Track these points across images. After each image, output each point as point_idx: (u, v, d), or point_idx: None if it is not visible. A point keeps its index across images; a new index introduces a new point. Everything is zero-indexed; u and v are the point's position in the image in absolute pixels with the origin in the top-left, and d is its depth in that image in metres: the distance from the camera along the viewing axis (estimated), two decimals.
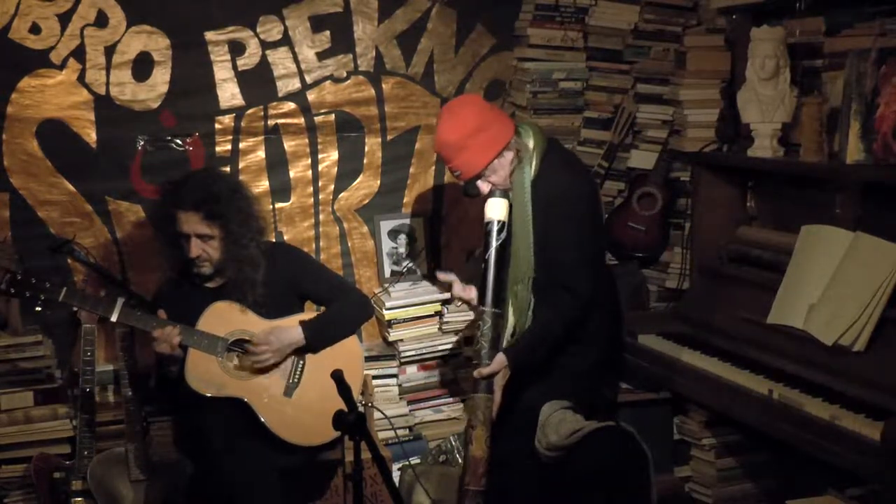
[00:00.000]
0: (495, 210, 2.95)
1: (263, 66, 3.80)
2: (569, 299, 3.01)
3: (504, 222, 2.94)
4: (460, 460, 3.45)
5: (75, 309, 3.27)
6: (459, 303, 3.30)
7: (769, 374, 3.13)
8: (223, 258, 3.22)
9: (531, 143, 3.05)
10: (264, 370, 3.25)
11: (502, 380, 2.94)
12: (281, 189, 3.90)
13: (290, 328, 3.25)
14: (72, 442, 3.42)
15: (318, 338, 3.30)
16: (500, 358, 2.92)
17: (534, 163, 3.04)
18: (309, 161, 3.92)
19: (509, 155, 3.00)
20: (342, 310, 3.40)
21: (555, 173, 3.03)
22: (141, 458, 3.30)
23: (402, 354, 3.89)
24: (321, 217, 3.97)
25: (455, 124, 2.97)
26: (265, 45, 3.78)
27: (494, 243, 2.93)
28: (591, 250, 3.10)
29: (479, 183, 3.01)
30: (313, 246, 3.95)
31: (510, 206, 2.99)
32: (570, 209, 3.01)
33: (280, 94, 3.83)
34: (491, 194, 2.97)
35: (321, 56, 3.86)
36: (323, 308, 3.49)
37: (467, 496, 2.87)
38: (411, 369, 3.93)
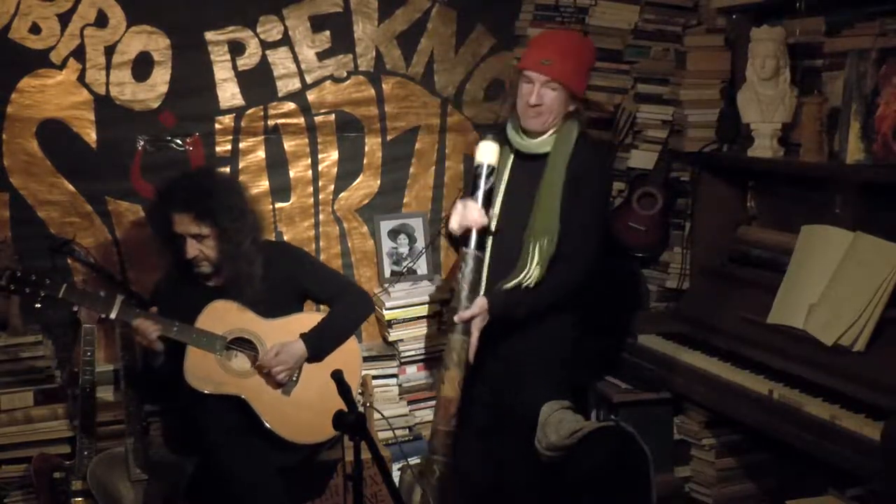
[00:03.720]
0: (486, 154, 2.98)
1: (263, 66, 3.80)
2: (568, 269, 3.02)
3: (493, 167, 2.97)
4: None
5: (75, 309, 3.27)
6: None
7: (769, 374, 3.13)
8: (220, 256, 3.22)
9: (577, 124, 3.12)
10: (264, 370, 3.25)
11: (481, 322, 2.95)
12: (281, 189, 3.90)
13: (294, 343, 3.25)
14: (72, 442, 3.42)
15: (320, 348, 3.30)
16: (482, 301, 2.95)
17: (575, 133, 3.08)
18: (309, 161, 3.92)
19: (570, 105, 3.07)
20: (341, 313, 3.39)
21: (589, 150, 3.11)
22: (141, 457, 3.31)
23: (402, 354, 3.89)
24: (321, 217, 3.97)
25: (584, 40, 3.19)
26: (265, 45, 3.79)
27: (483, 187, 2.97)
28: (601, 232, 3.14)
29: (535, 97, 3.00)
30: (313, 246, 3.95)
31: (525, 157, 3.06)
32: (597, 187, 3.11)
33: (280, 94, 3.83)
34: (483, 138, 3.03)
35: (321, 56, 3.86)
36: (323, 307, 3.49)
37: (437, 436, 2.96)
38: (411, 369, 3.93)
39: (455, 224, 3.01)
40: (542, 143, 3.07)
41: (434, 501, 3.19)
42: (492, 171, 2.98)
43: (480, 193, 2.99)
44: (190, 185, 3.22)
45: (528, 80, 3.03)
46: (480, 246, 3.00)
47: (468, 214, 2.99)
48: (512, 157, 3.12)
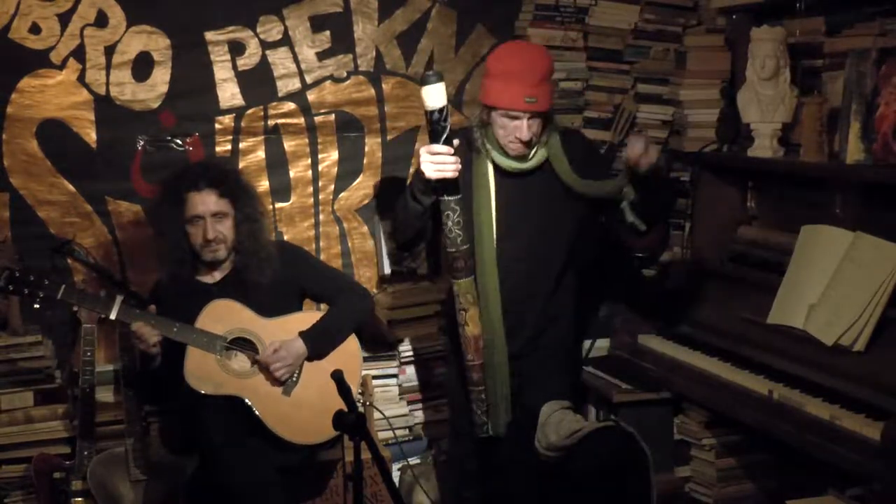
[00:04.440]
0: (438, 97, 2.77)
1: (263, 66, 3.80)
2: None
3: (447, 107, 2.80)
4: None
5: (75, 309, 3.27)
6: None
7: (769, 374, 3.13)
8: (236, 238, 3.26)
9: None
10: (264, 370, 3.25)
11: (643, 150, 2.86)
12: (281, 189, 3.90)
13: (294, 341, 3.26)
14: (72, 442, 3.42)
15: (319, 347, 3.30)
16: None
17: (558, 138, 3.03)
18: (309, 161, 3.92)
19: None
20: (341, 311, 3.39)
21: (575, 142, 3.08)
22: (141, 457, 3.31)
23: (402, 354, 3.89)
24: (321, 217, 3.97)
25: (546, 55, 2.98)
26: (265, 45, 3.79)
27: (446, 132, 2.81)
28: None
29: (526, 133, 2.90)
30: (313, 246, 3.95)
31: (511, 173, 3.01)
32: (605, 165, 3.25)
33: (280, 94, 3.83)
34: (425, 81, 2.77)
35: (321, 56, 3.86)
36: (323, 305, 3.49)
37: (474, 369, 3.02)
38: (411, 369, 3.93)
39: (432, 172, 2.83)
40: (533, 160, 3.01)
41: (434, 502, 3.20)
42: (446, 112, 2.80)
43: (447, 138, 2.82)
44: (210, 165, 3.36)
45: (511, 116, 2.91)
46: (456, 190, 2.88)
47: (443, 164, 2.82)
48: (491, 170, 3.02)
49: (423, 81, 2.77)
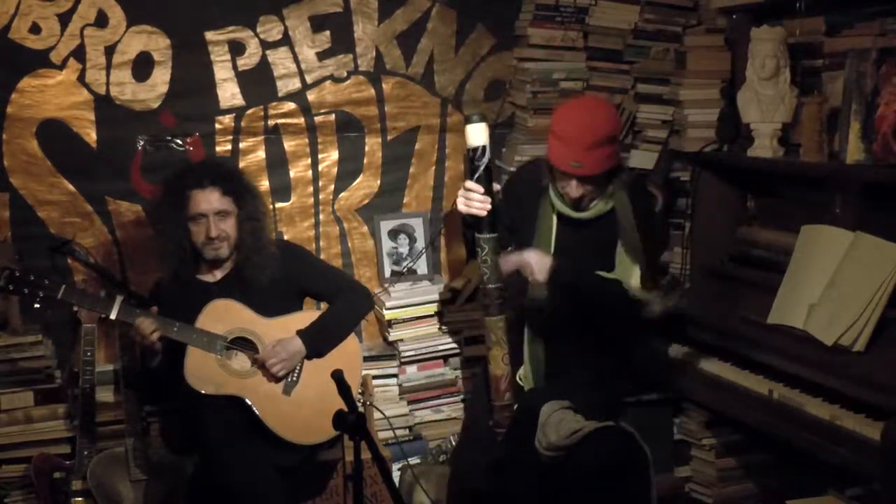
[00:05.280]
0: (478, 136, 2.90)
1: (263, 66, 3.80)
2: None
3: (486, 147, 2.91)
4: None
5: (75, 308, 3.27)
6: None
7: (769, 374, 3.13)
8: (238, 237, 3.26)
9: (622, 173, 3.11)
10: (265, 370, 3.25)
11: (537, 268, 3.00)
12: (281, 189, 3.90)
13: (292, 339, 3.26)
14: (72, 442, 3.42)
15: (317, 345, 3.30)
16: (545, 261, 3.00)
17: (626, 194, 3.06)
18: (309, 161, 3.92)
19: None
20: (340, 309, 3.40)
21: (640, 199, 3.11)
22: (141, 457, 3.31)
23: (402, 354, 3.89)
24: (321, 217, 3.97)
25: (608, 118, 2.98)
26: (265, 45, 3.79)
27: (481, 169, 2.91)
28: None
29: (575, 191, 2.99)
30: (313, 246, 3.95)
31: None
32: (657, 231, 3.25)
33: (280, 94, 3.83)
34: (468, 120, 2.93)
35: (321, 56, 3.86)
36: (323, 304, 3.49)
37: (495, 410, 3.02)
38: (411, 369, 3.93)
39: (462, 207, 2.96)
40: (591, 210, 3.06)
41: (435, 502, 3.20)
42: (485, 150, 2.91)
43: (480, 176, 2.92)
44: (213, 163, 3.39)
45: (561, 172, 3.00)
46: (491, 228, 2.96)
47: (471, 201, 2.93)
48: (554, 216, 3.10)
49: (467, 121, 2.93)
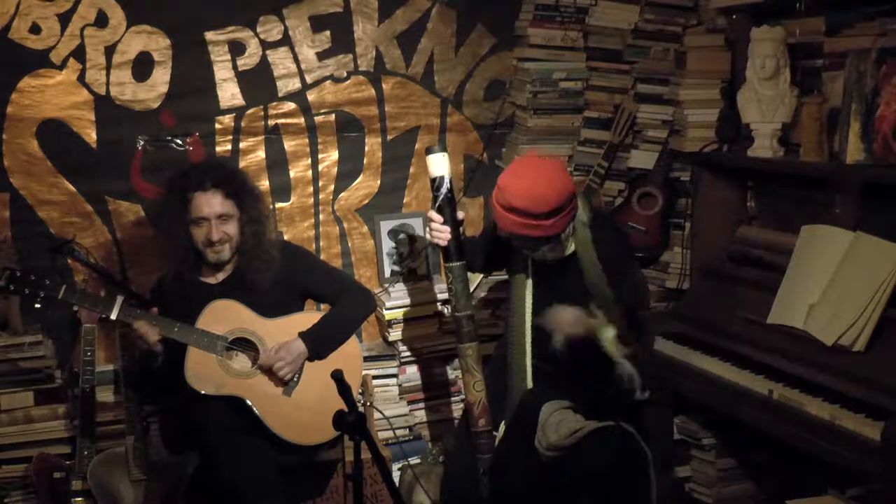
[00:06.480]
0: (439, 167, 3.01)
1: (263, 66, 3.80)
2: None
3: (447, 178, 3.02)
4: None
5: (75, 309, 3.28)
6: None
7: (769, 374, 3.13)
8: (240, 240, 3.26)
9: (584, 212, 3.09)
10: (265, 370, 3.25)
11: None
12: (281, 189, 3.90)
13: (294, 341, 3.26)
14: (72, 442, 3.42)
15: (319, 347, 3.31)
16: None
17: (587, 231, 3.08)
18: (309, 161, 3.92)
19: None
20: (341, 311, 3.40)
21: (605, 234, 3.13)
22: (141, 457, 3.31)
23: (402, 354, 3.89)
24: (321, 217, 3.97)
25: (558, 185, 2.90)
26: (265, 45, 3.79)
27: (442, 199, 3.02)
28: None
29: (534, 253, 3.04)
30: (313, 246, 3.95)
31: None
32: (627, 265, 3.26)
33: (280, 94, 3.83)
34: (430, 151, 3.03)
35: (321, 56, 3.86)
36: (324, 306, 3.49)
37: (474, 437, 3.14)
38: (411, 369, 3.93)
39: (427, 236, 3.13)
40: (553, 255, 3.08)
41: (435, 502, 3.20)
42: (443, 181, 3.03)
43: (443, 206, 3.06)
44: (215, 166, 3.36)
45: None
46: (458, 256, 3.08)
47: (435, 232, 3.08)
48: (530, 259, 3.13)
49: (428, 151, 3.01)
